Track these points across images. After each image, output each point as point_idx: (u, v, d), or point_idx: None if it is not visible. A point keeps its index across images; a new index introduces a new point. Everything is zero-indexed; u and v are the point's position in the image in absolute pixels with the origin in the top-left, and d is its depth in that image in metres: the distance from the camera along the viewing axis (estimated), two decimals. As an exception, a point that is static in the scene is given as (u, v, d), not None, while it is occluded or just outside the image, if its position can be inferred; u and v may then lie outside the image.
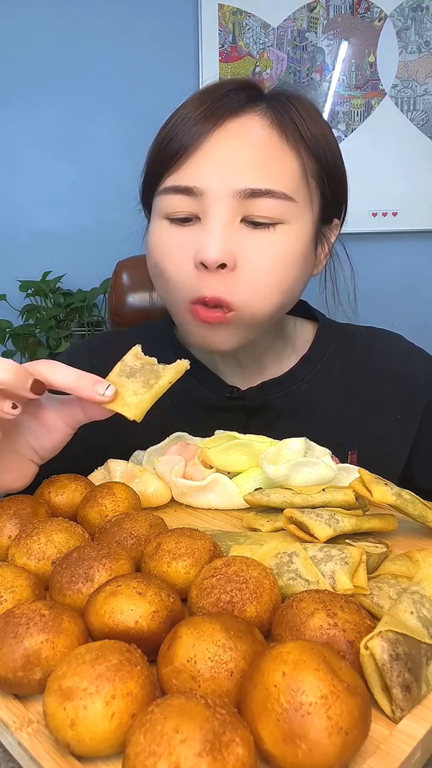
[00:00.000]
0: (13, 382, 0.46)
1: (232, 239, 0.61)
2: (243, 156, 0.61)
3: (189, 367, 0.52)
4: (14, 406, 0.47)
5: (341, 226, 0.73)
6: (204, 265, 0.61)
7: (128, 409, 0.50)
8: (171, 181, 0.63)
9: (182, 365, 0.52)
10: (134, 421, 0.50)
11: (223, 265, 0.61)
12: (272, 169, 0.62)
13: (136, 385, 0.51)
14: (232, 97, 0.63)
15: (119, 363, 0.53)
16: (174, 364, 0.52)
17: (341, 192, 0.70)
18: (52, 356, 1.74)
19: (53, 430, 0.54)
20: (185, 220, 0.63)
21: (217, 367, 0.77)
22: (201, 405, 0.76)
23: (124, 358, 0.53)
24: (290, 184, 0.62)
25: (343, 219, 0.73)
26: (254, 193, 0.61)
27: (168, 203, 0.63)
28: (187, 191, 0.62)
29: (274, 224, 0.62)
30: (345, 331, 0.81)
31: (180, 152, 0.62)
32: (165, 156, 0.63)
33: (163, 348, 0.77)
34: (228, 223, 0.61)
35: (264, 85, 0.68)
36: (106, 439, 0.74)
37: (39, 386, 0.48)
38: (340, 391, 0.78)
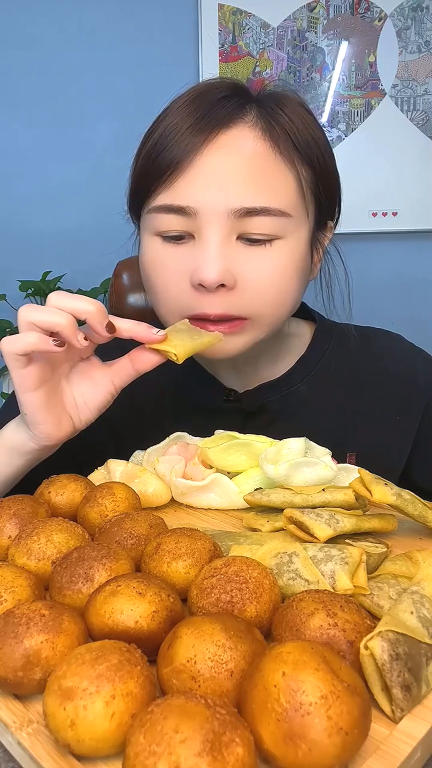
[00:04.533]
0: (94, 314, 0.54)
1: (229, 258, 0.61)
2: (236, 173, 0.60)
3: (222, 339, 0.62)
4: (85, 338, 0.54)
5: (335, 228, 0.73)
6: (202, 286, 0.61)
7: (174, 349, 0.57)
8: (163, 199, 0.62)
9: (219, 336, 0.62)
10: (176, 360, 0.57)
11: (222, 285, 0.61)
12: (267, 186, 0.61)
13: (182, 337, 0.59)
14: (222, 106, 0.61)
15: (169, 327, 0.61)
16: (212, 333, 0.62)
17: (335, 194, 0.70)
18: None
19: (100, 387, 0.60)
20: (178, 238, 0.63)
21: (213, 369, 0.77)
22: (198, 407, 0.76)
23: (173, 324, 0.61)
24: (286, 199, 0.62)
25: (337, 221, 0.72)
26: (250, 212, 0.60)
27: (160, 222, 0.62)
28: (180, 211, 0.61)
29: (270, 240, 0.62)
30: (343, 331, 0.81)
31: (171, 167, 0.60)
32: (155, 170, 0.62)
33: None
34: (224, 242, 0.61)
35: (263, 84, 0.67)
36: (106, 439, 0.74)
37: (112, 327, 0.55)
38: (338, 391, 0.78)
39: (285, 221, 0.62)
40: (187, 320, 0.62)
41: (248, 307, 0.63)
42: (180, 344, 0.58)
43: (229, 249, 0.61)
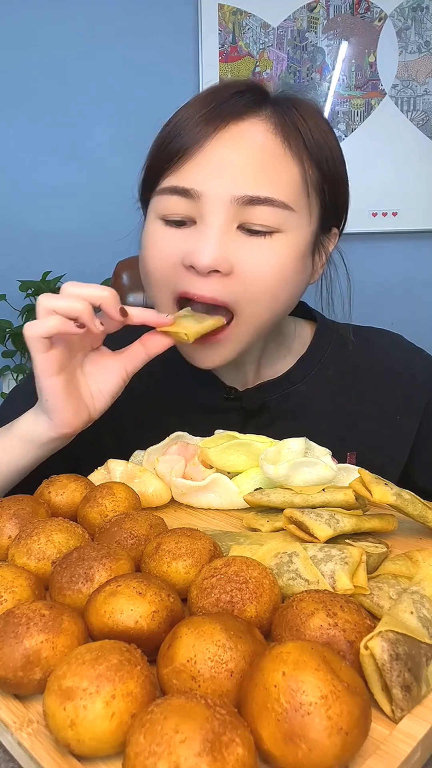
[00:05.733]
0: (109, 299, 0.56)
1: (227, 245, 0.61)
2: (243, 161, 0.60)
3: (224, 321, 0.64)
4: (101, 323, 0.57)
5: (340, 236, 0.72)
6: (193, 268, 0.61)
7: (184, 330, 0.60)
8: (169, 181, 0.62)
9: (221, 319, 0.64)
10: (187, 340, 0.60)
11: (215, 271, 0.61)
12: (272, 177, 0.61)
13: (188, 320, 0.62)
14: (236, 100, 0.62)
15: (174, 314, 0.64)
16: (215, 316, 0.64)
17: (342, 201, 0.69)
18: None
19: (112, 373, 0.62)
20: (180, 223, 0.63)
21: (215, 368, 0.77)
22: (199, 405, 0.76)
23: (177, 312, 0.64)
24: (290, 193, 0.62)
25: (342, 228, 0.72)
26: (252, 201, 0.60)
27: (164, 204, 0.63)
28: (184, 193, 0.61)
29: (270, 232, 0.62)
30: (344, 331, 0.81)
31: (180, 153, 0.61)
32: (165, 156, 0.63)
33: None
34: (224, 228, 0.61)
35: (269, 86, 0.67)
36: (105, 439, 0.74)
37: (124, 311, 0.58)
38: (338, 391, 0.78)
39: (287, 215, 0.62)
40: (190, 308, 0.64)
41: (239, 294, 0.62)
42: (189, 326, 0.61)
43: (228, 236, 0.61)
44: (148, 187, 0.67)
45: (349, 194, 0.70)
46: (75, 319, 0.55)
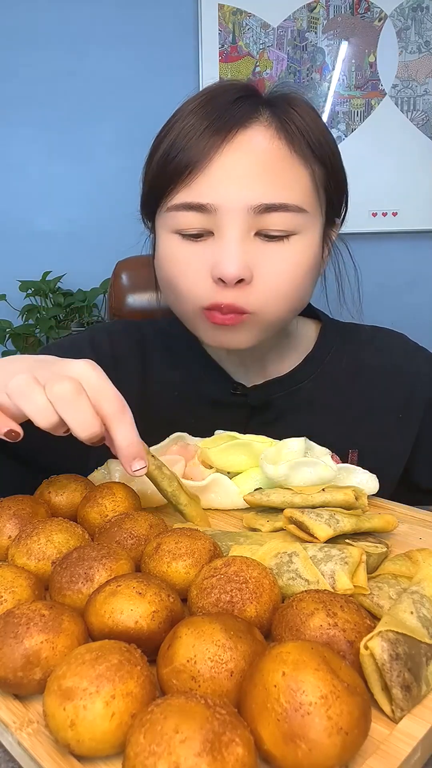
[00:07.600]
0: (93, 440, 0.46)
1: (248, 253, 0.62)
2: (254, 170, 0.61)
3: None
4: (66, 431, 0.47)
5: (341, 225, 0.74)
6: (222, 281, 0.61)
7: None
8: (182, 197, 0.62)
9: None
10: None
11: (240, 280, 0.62)
12: (284, 182, 0.62)
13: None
14: (237, 108, 0.62)
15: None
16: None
17: (343, 193, 0.71)
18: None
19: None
20: (197, 236, 0.63)
21: (223, 364, 0.78)
22: (206, 398, 0.76)
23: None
24: (302, 195, 0.63)
25: (344, 218, 0.74)
26: (268, 208, 0.61)
27: (179, 219, 0.63)
28: (199, 208, 0.61)
29: (287, 236, 0.63)
30: (348, 329, 0.82)
31: (189, 167, 0.61)
32: (172, 170, 0.62)
33: (176, 343, 0.78)
34: (243, 237, 0.62)
35: (264, 85, 0.68)
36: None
37: (100, 441, 0.48)
38: (342, 389, 0.78)
39: (301, 217, 0.63)
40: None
41: (259, 301, 0.63)
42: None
43: (247, 244, 0.62)
44: (154, 203, 0.67)
45: (347, 184, 0.71)
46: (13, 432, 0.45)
